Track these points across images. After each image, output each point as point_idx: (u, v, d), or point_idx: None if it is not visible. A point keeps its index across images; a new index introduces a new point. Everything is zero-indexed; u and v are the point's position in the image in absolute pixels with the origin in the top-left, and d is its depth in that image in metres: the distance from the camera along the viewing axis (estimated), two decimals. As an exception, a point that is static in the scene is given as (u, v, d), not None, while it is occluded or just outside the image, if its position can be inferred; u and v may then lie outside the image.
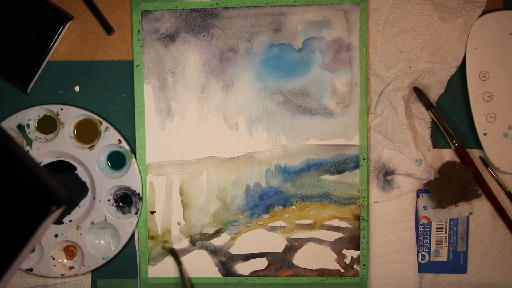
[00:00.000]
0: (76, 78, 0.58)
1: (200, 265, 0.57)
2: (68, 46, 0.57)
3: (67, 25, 0.56)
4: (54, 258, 0.58)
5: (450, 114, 0.57)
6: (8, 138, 0.34)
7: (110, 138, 0.56)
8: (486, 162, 0.56)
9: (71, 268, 0.58)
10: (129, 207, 0.57)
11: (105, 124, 0.56)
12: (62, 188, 0.34)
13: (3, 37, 0.55)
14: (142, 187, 0.57)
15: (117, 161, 0.57)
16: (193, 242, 0.57)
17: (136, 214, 0.57)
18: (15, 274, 0.58)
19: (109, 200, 0.57)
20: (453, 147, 0.56)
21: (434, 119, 0.56)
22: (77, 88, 0.58)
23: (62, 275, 0.57)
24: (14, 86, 0.57)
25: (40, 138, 0.57)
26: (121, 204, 0.57)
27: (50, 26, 0.55)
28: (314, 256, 0.57)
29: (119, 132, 0.57)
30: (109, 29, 0.56)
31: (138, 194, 0.57)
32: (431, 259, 0.58)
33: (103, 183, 0.57)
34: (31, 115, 0.57)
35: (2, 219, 0.33)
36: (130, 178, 0.57)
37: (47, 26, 0.55)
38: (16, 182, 0.33)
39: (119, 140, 0.56)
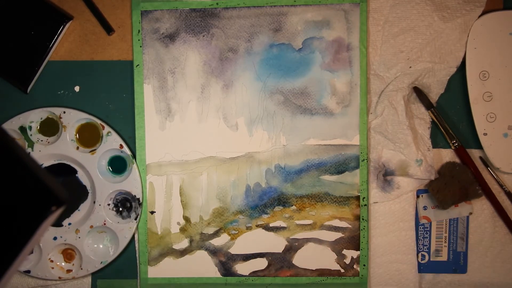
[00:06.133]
0: (76, 78, 0.58)
1: (200, 265, 0.57)
2: (68, 46, 0.57)
3: (67, 25, 0.56)
4: (52, 261, 0.57)
5: (450, 114, 0.57)
6: (8, 139, 0.34)
7: (112, 143, 0.56)
8: (486, 162, 0.56)
9: (69, 271, 0.58)
10: (128, 212, 0.57)
11: (107, 128, 0.56)
12: (62, 189, 0.34)
13: (3, 37, 0.55)
14: (143, 192, 0.57)
15: (118, 165, 0.57)
16: (193, 242, 0.57)
17: (135, 219, 0.57)
18: (14, 275, 0.58)
19: (109, 205, 0.57)
20: (453, 147, 0.56)
21: (434, 119, 0.56)
22: (77, 88, 0.58)
23: (59, 278, 0.57)
24: (14, 86, 0.57)
25: (42, 141, 0.57)
26: (120, 209, 0.57)
27: (50, 26, 0.55)
28: (314, 256, 0.57)
29: (121, 137, 0.57)
30: (109, 29, 0.56)
31: (138, 199, 0.56)
32: (431, 259, 0.58)
33: (104, 187, 0.57)
34: (34, 117, 0.57)
35: (2, 219, 0.33)
36: (130, 183, 0.56)
37: (47, 26, 0.55)
38: (16, 182, 0.33)
39: (120, 145, 0.56)
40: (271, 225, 0.57)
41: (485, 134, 0.55)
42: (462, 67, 0.56)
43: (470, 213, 0.57)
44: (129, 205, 0.57)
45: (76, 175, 0.58)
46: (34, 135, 0.57)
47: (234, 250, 0.57)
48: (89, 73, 0.57)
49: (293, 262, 0.57)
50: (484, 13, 0.55)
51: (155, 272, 0.57)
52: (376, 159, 0.56)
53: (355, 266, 0.57)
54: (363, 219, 0.56)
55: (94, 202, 0.57)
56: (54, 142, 0.57)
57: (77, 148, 0.57)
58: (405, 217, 0.57)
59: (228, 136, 0.57)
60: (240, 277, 0.57)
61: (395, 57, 0.56)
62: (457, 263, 0.58)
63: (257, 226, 0.57)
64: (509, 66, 0.55)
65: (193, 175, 0.57)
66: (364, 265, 0.57)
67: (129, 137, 0.57)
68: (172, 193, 0.57)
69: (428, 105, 0.56)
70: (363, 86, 0.55)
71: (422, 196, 0.57)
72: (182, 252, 0.57)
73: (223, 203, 0.57)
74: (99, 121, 0.56)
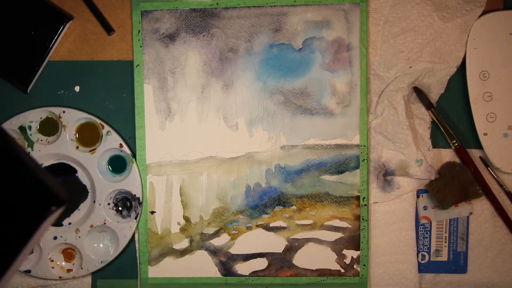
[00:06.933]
0: (76, 78, 0.58)
1: (200, 265, 0.57)
2: (68, 46, 0.57)
3: (67, 25, 0.56)
4: (52, 260, 0.58)
5: (450, 114, 0.57)
6: (8, 139, 0.34)
7: (111, 142, 0.56)
8: (486, 162, 0.56)
9: (69, 270, 0.58)
10: (128, 211, 0.57)
11: (106, 128, 0.56)
12: (62, 189, 0.34)
13: (3, 37, 0.55)
14: (142, 192, 0.57)
15: (118, 165, 0.57)
16: (193, 242, 0.57)
17: (135, 218, 0.57)
18: (14, 275, 0.58)
19: (109, 204, 0.57)
20: (453, 147, 0.56)
21: (434, 119, 0.56)
22: (77, 88, 0.58)
23: (60, 277, 0.57)
24: (14, 86, 0.57)
25: (41, 140, 0.57)
26: (120, 208, 0.57)
27: (50, 26, 0.55)
28: (314, 256, 0.57)
29: (121, 136, 0.57)
30: (109, 29, 0.56)
31: (138, 198, 0.56)
32: (431, 259, 0.58)
33: (103, 186, 0.57)
34: (33, 117, 0.57)
35: (2, 219, 0.33)
36: (130, 182, 0.56)
37: (47, 26, 0.55)
38: (16, 182, 0.33)
39: (120, 144, 0.56)
40: (271, 225, 0.57)
41: (485, 134, 0.55)
42: (462, 67, 0.56)
43: (470, 213, 0.57)
44: (129, 205, 0.57)
45: (76, 174, 0.58)
46: (34, 135, 0.57)
47: (234, 250, 0.57)
48: (89, 73, 0.57)
49: (293, 262, 0.57)
50: (484, 13, 0.55)
51: (155, 272, 0.58)
52: (376, 159, 0.56)
53: (355, 266, 0.57)
54: (363, 219, 0.56)
55: (94, 202, 0.57)
56: (54, 141, 0.57)
57: (77, 147, 0.57)
58: (405, 217, 0.57)
59: (228, 136, 0.57)
60: (240, 277, 0.57)
61: (395, 57, 0.56)
62: (457, 263, 0.58)
63: (257, 226, 0.57)
64: (509, 66, 0.55)
65: (193, 175, 0.57)
66: (364, 265, 0.57)
67: (129, 137, 0.57)
68: (172, 193, 0.57)
69: (428, 105, 0.56)
70: (363, 86, 0.55)
71: (422, 196, 0.57)
72: (182, 252, 0.58)
73: (223, 203, 0.57)
74: (98, 121, 0.56)
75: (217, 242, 0.57)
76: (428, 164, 0.55)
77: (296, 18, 0.55)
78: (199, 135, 0.57)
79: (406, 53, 0.56)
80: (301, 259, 0.57)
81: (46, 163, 0.57)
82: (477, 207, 0.57)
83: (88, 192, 0.58)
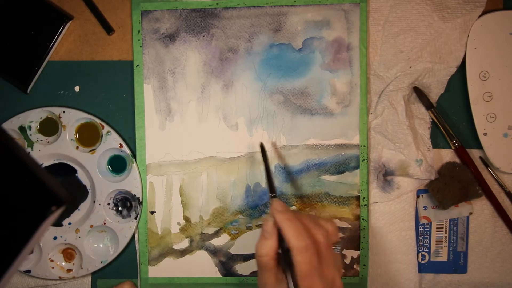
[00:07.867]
0: (76, 78, 0.58)
1: (200, 265, 0.57)
2: (68, 46, 0.57)
3: (67, 25, 0.56)
4: (52, 261, 0.58)
5: (450, 114, 0.57)
6: (8, 139, 0.34)
7: (111, 142, 0.56)
8: (486, 162, 0.56)
9: (69, 270, 0.58)
10: (128, 211, 0.57)
11: (106, 128, 0.56)
12: (62, 188, 0.34)
13: (3, 37, 0.55)
14: (142, 192, 0.57)
15: (118, 165, 0.57)
16: (193, 242, 0.57)
17: (135, 218, 0.57)
18: (14, 275, 0.58)
19: (108, 204, 0.57)
20: (453, 147, 0.56)
21: (434, 119, 0.56)
22: (77, 88, 0.58)
23: (60, 277, 0.57)
24: (14, 86, 0.57)
25: (41, 140, 0.57)
26: (120, 208, 0.57)
27: (50, 26, 0.55)
28: (314, 256, 0.57)
29: (121, 136, 0.57)
30: (109, 29, 0.56)
31: (138, 198, 0.56)
32: (431, 259, 0.58)
33: (103, 186, 0.57)
34: (33, 117, 0.57)
35: (2, 219, 0.33)
36: (130, 182, 0.56)
37: (47, 26, 0.55)
38: (17, 182, 0.33)
39: (120, 144, 0.56)
40: (271, 225, 0.57)
41: (485, 134, 0.55)
42: (462, 67, 0.56)
43: (470, 213, 0.57)
44: (129, 205, 0.57)
45: (76, 174, 0.58)
46: (34, 135, 0.57)
47: (234, 250, 0.57)
48: (89, 73, 0.57)
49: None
50: (484, 13, 0.55)
51: (155, 272, 0.58)
52: (376, 159, 0.56)
53: (355, 266, 0.57)
54: (363, 219, 0.56)
55: (94, 202, 0.57)
56: (54, 141, 0.57)
57: (77, 147, 0.57)
58: (405, 217, 0.57)
59: (228, 136, 0.57)
60: (240, 277, 0.57)
61: (395, 57, 0.56)
62: (457, 263, 0.58)
63: (257, 226, 0.57)
64: (509, 66, 0.55)
65: (193, 175, 0.57)
66: (364, 265, 0.57)
67: (129, 137, 0.57)
68: (172, 193, 0.57)
69: (428, 105, 0.56)
70: (363, 86, 0.55)
71: (422, 196, 0.57)
72: (182, 252, 0.57)
73: (223, 203, 0.57)
74: (98, 121, 0.56)
75: (217, 242, 0.57)
76: (428, 164, 0.55)
77: (296, 18, 0.55)
78: (199, 135, 0.57)
79: (406, 53, 0.56)
80: (301, 259, 0.57)
81: (46, 163, 0.57)
82: (477, 207, 0.57)
83: (88, 192, 0.58)
